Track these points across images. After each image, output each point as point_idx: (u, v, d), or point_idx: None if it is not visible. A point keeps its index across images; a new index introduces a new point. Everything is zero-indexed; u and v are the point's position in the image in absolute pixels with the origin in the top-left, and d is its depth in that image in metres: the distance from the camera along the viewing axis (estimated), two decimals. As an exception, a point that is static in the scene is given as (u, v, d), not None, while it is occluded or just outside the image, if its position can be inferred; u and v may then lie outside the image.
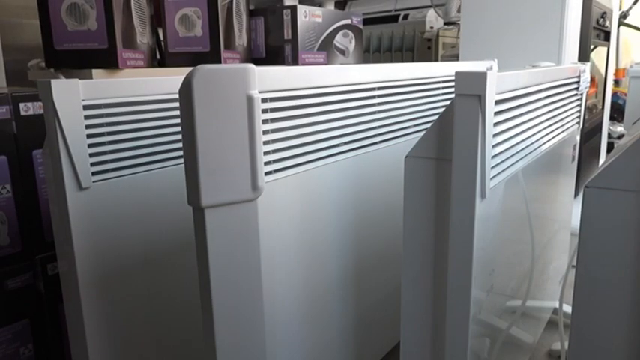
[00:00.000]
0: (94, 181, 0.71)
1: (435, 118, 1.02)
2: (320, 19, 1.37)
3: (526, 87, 0.73)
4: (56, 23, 0.99)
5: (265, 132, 0.62)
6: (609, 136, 2.25)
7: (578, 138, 1.14)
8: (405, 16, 2.29)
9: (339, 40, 1.45)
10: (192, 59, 1.18)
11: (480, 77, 0.56)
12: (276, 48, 1.34)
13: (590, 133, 1.64)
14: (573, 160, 1.13)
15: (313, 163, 0.72)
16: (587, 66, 1.09)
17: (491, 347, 0.74)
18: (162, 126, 0.79)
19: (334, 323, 0.81)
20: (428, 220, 0.64)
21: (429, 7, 2.27)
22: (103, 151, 0.72)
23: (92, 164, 0.70)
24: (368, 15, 2.37)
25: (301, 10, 1.30)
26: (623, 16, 2.71)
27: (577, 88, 1.05)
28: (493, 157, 0.62)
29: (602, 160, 1.92)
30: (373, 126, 0.85)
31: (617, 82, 3.13)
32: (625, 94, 2.91)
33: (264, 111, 0.62)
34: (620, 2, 2.63)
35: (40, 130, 0.91)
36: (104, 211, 0.73)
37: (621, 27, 2.79)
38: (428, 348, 0.68)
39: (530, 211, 0.85)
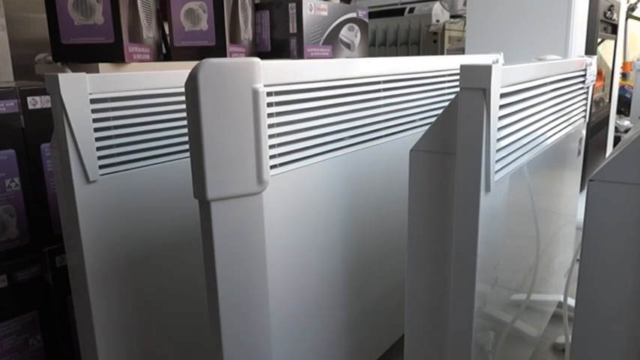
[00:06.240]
0: (101, 175, 0.72)
1: (440, 111, 1.02)
2: (325, 13, 1.37)
3: (532, 80, 0.73)
4: (63, 17, 0.99)
5: (270, 125, 0.63)
6: (616, 129, 2.23)
7: (584, 132, 1.14)
8: (411, 10, 2.28)
9: (344, 33, 1.44)
10: (198, 53, 1.18)
11: (485, 71, 0.56)
12: (281, 42, 1.34)
13: (596, 127, 1.63)
14: (579, 153, 1.13)
15: (318, 156, 0.72)
16: (593, 59, 1.08)
17: (495, 340, 0.75)
18: (169, 119, 0.80)
19: (339, 315, 0.82)
20: (432, 214, 0.64)
21: (435, 0, 2.26)
22: (110, 145, 0.72)
23: (99, 157, 0.71)
24: (373, 8, 2.36)
25: (307, 3, 1.30)
26: (631, 8, 2.68)
27: (583, 82, 1.04)
28: (498, 150, 0.62)
29: (608, 154, 1.90)
30: (378, 120, 0.85)
31: (624, 76, 3.11)
32: (632, 88, 2.89)
33: (270, 105, 0.62)
34: (628, -5, 2.60)
35: (48, 124, 0.91)
36: (111, 204, 0.74)
37: (629, 20, 2.77)
38: (432, 341, 0.68)
39: (535, 205, 0.85)
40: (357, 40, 1.50)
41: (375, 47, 2.35)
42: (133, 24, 1.02)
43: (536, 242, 0.89)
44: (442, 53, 2.18)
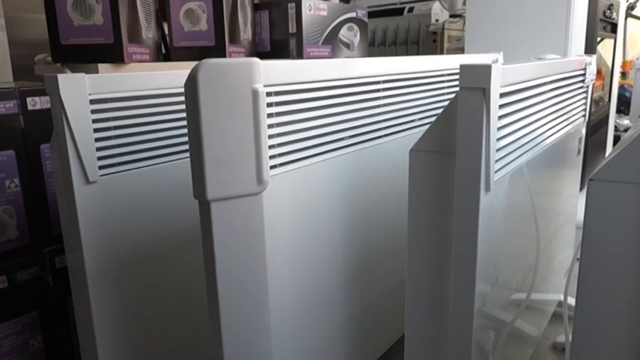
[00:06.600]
0: (100, 175, 0.72)
1: (440, 111, 1.02)
2: (325, 13, 1.37)
3: (531, 80, 0.73)
4: (62, 18, 0.99)
5: (270, 126, 0.63)
6: (616, 129, 2.23)
7: (583, 131, 1.14)
8: (411, 9, 2.28)
9: (343, 33, 1.44)
10: (198, 53, 1.18)
11: (485, 70, 0.56)
12: (280, 42, 1.34)
13: (596, 126, 1.63)
14: (579, 153, 1.13)
15: (318, 156, 0.72)
16: (593, 58, 1.08)
17: (495, 340, 0.75)
18: (168, 120, 0.80)
19: (339, 315, 0.82)
20: (432, 214, 0.64)
21: (435, -1, 2.26)
22: (110, 145, 0.72)
23: (99, 158, 0.71)
24: (373, 8, 2.36)
25: (306, 3, 1.30)
26: (631, 7, 2.68)
27: (583, 81, 1.04)
28: (497, 150, 0.62)
29: (608, 154, 1.90)
30: (378, 119, 0.85)
31: (624, 75, 3.11)
32: (632, 87, 2.89)
33: (269, 105, 0.62)
34: (628, -6, 2.60)
35: (48, 125, 0.91)
36: (111, 205, 0.74)
37: (628, 19, 2.77)
38: (432, 341, 0.68)
39: (535, 205, 0.85)
40: (357, 39, 1.50)
41: (375, 47, 2.35)
42: (133, 24, 1.02)
43: (536, 242, 0.89)
44: (441, 53, 2.18)
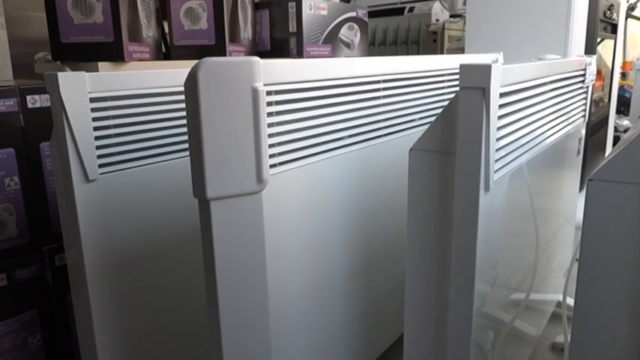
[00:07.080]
0: (100, 173, 0.72)
1: (440, 111, 1.02)
2: (325, 12, 1.37)
3: (531, 80, 0.73)
4: (62, 16, 0.99)
5: (270, 125, 0.63)
6: (615, 129, 2.23)
7: (583, 131, 1.14)
8: (411, 9, 2.28)
9: (344, 33, 1.44)
10: (198, 52, 1.18)
11: (485, 70, 0.56)
12: (281, 41, 1.34)
13: (596, 127, 1.63)
14: (579, 153, 1.13)
15: (318, 155, 0.72)
16: (593, 59, 1.08)
17: (494, 340, 0.75)
18: (168, 119, 0.80)
19: (338, 314, 0.82)
20: (432, 213, 0.64)
21: (435, -1, 2.26)
22: (110, 144, 0.72)
23: (99, 156, 0.71)
24: (373, 7, 2.35)
25: (306, 2, 1.30)
26: (631, 8, 2.68)
27: (583, 81, 1.04)
28: (497, 149, 0.62)
29: (607, 154, 1.89)
30: (378, 119, 0.85)
31: (624, 75, 3.11)
32: (632, 87, 2.89)
33: (269, 104, 0.62)
34: (628, -6, 2.60)
35: (48, 123, 0.91)
36: (111, 203, 0.74)
37: (629, 19, 2.77)
38: (431, 340, 0.68)
39: (534, 205, 0.85)
40: (357, 39, 1.50)
41: (375, 46, 2.35)
42: (133, 23, 1.02)
43: (535, 242, 0.89)
44: (442, 52, 2.18)
